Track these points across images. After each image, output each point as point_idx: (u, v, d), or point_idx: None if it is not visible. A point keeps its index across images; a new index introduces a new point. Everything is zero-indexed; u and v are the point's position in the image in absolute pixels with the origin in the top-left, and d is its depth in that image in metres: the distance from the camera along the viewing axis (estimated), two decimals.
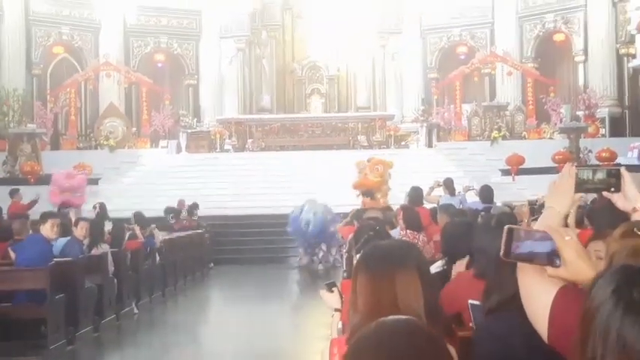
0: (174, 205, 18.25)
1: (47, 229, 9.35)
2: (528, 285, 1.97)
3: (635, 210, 2.27)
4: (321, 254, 17.43)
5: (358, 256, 2.81)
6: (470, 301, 3.71)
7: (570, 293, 1.90)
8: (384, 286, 2.42)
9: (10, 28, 25.42)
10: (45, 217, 9.67)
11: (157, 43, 28.66)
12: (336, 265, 17.04)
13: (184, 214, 17.99)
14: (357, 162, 17.30)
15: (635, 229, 2.06)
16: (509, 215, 6.83)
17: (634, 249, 2.01)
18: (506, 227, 1.93)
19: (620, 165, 18.80)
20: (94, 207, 15.68)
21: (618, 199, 2.25)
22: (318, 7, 29.01)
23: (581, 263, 1.88)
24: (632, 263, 1.83)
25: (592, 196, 4.74)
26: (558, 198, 2.17)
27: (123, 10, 27.27)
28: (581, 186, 2.19)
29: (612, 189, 2.22)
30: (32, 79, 26.27)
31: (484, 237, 4.04)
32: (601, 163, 19.39)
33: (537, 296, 1.94)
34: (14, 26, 25.50)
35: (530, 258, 1.91)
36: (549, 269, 1.90)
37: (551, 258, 1.89)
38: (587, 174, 2.19)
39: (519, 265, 2.00)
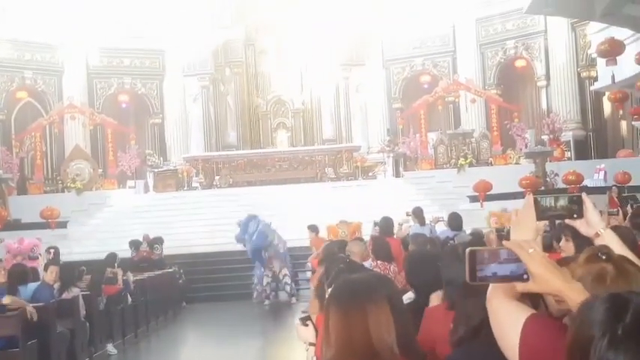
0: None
1: None
2: (498, 313, 1.99)
3: (597, 235, 2.32)
4: (287, 287, 17.28)
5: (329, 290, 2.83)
6: None
7: (540, 320, 1.93)
8: (356, 320, 2.41)
9: None
10: None
11: (120, 83, 28.66)
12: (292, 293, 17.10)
13: (144, 245, 17.80)
14: (330, 230, 16.93)
15: (599, 254, 2.10)
16: (476, 244, 6.87)
17: (599, 274, 2.04)
18: (467, 250, 1.93)
19: (585, 187, 19.08)
20: (48, 251, 15.43)
21: (581, 225, 2.30)
22: (280, 42, 29.20)
23: (548, 274, 1.90)
24: (598, 287, 1.88)
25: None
26: (522, 230, 2.18)
27: (85, 53, 27.27)
28: (543, 213, 2.20)
29: (575, 215, 2.25)
30: None
31: (452, 267, 4.02)
32: (568, 186, 19.61)
33: (507, 324, 1.96)
34: None
35: (497, 278, 1.91)
36: (518, 285, 1.92)
37: (519, 274, 1.90)
38: (549, 201, 2.22)
39: (488, 293, 2.02)
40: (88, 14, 26.69)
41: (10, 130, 26.67)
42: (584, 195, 2.29)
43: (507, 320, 1.97)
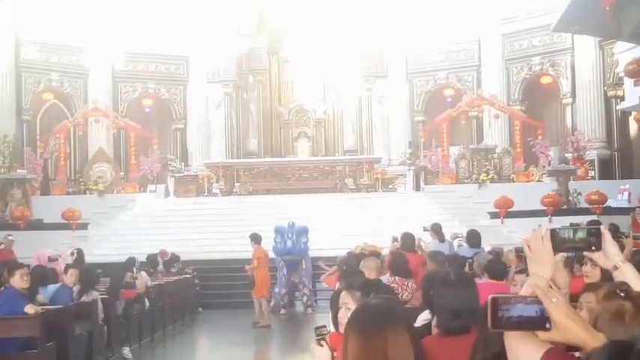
0: (157, 252, 17.66)
1: (17, 281, 9.08)
2: (515, 348, 1.99)
3: (615, 268, 2.32)
4: (305, 298, 17.28)
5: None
6: None
7: (557, 355, 1.94)
8: (375, 346, 2.43)
9: (1, 74, 25.56)
10: (13, 268, 9.39)
11: (144, 88, 28.86)
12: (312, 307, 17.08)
13: (160, 267, 17.18)
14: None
15: (617, 291, 2.10)
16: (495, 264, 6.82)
17: (617, 312, 2.04)
18: (490, 297, 1.94)
19: (608, 208, 18.90)
20: (72, 253, 15.47)
21: (599, 258, 2.30)
22: (304, 51, 29.29)
23: (570, 324, 1.91)
24: (617, 326, 1.88)
25: None
26: (541, 264, 2.18)
27: (111, 57, 27.47)
28: (561, 245, 2.21)
29: (593, 247, 2.25)
30: (22, 125, 26.35)
31: (444, 293, 3.98)
32: (591, 206, 19.46)
33: (524, 357, 1.97)
34: (5, 73, 25.64)
35: (519, 325, 1.93)
36: (541, 334, 1.93)
37: (541, 322, 1.92)
38: (567, 233, 2.22)
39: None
40: (114, 19, 26.92)
41: (36, 131, 26.91)
42: (602, 228, 2.28)
43: (524, 354, 1.98)
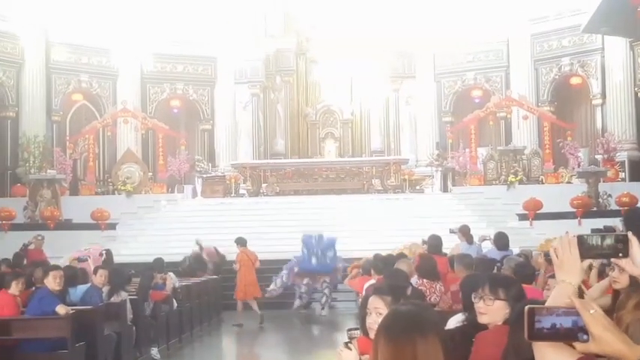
0: (196, 249, 17.88)
1: (50, 282, 9.19)
2: (544, 356, 1.99)
3: None
4: (323, 299, 17.17)
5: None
6: None
7: None
8: (406, 353, 2.42)
9: (31, 76, 25.90)
10: (47, 270, 9.52)
11: (173, 89, 29.04)
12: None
13: (210, 266, 17.55)
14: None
15: None
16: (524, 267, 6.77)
17: None
18: (526, 308, 1.94)
19: (638, 210, 18.66)
20: (101, 254, 15.58)
21: (626, 264, 2.27)
22: (331, 52, 29.27)
23: (609, 336, 1.89)
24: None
25: None
26: (568, 271, 2.18)
27: (139, 58, 27.66)
28: (589, 252, 2.20)
29: (620, 254, 2.23)
30: (52, 126, 26.68)
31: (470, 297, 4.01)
32: (621, 208, 19.23)
33: None
34: (35, 74, 25.98)
35: (555, 336, 1.93)
36: (578, 345, 1.91)
37: (578, 333, 1.90)
38: (595, 240, 2.20)
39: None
40: (143, 21, 27.09)
41: (65, 132, 27.21)
42: (630, 234, 2.26)
43: None
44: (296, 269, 16.96)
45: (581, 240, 2.19)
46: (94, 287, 10.37)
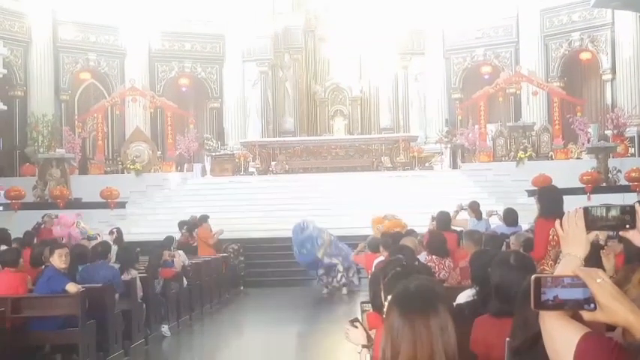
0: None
1: (56, 260, 9.17)
2: (550, 330, 1.97)
3: None
4: (339, 275, 17.14)
5: (388, 296, 2.82)
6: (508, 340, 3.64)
7: (594, 339, 1.90)
8: (419, 328, 2.44)
9: (39, 55, 25.89)
10: (52, 248, 9.49)
11: (181, 67, 28.99)
12: (353, 288, 16.96)
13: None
14: (374, 220, 15.47)
15: None
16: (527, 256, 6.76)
17: None
18: (532, 277, 1.92)
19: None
20: (111, 232, 15.64)
21: (633, 236, 2.25)
22: (340, 29, 29.14)
23: (617, 305, 1.88)
24: (617, 303, 1.84)
25: None
26: (574, 243, 2.16)
27: (147, 36, 27.61)
28: (594, 224, 2.17)
29: (627, 226, 2.19)
30: (60, 105, 26.70)
31: (503, 275, 3.98)
32: (630, 184, 19.14)
33: (560, 341, 1.93)
34: (43, 53, 25.96)
35: (562, 306, 1.91)
36: (585, 314, 1.90)
37: (585, 302, 1.88)
38: (600, 211, 2.17)
39: (540, 312, 2.00)
40: None
41: (74, 111, 27.23)
42: (637, 205, 2.23)
43: (560, 338, 1.95)
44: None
45: (586, 212, 2.17)
46: (104, 265, 10.39)
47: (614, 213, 2.18)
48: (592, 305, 1.89)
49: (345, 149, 26.13)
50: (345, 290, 16.90)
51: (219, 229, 17.74)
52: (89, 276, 10.01)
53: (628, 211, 2.18)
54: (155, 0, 27.12)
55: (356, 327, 3.99)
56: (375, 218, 15.27)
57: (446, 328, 2.45)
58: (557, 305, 1.91)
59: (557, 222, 2.23)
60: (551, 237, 6.79)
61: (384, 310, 2.81)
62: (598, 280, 1.89)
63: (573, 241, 2.16)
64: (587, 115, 25.61)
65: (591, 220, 2.16)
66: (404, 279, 3.05)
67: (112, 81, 27.75)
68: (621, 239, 5.89)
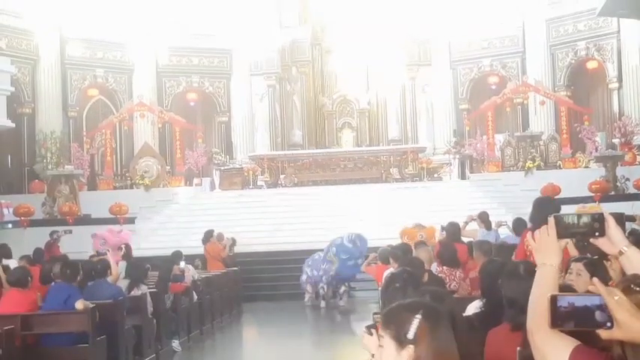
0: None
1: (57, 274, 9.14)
2: (540, 346, 1.98)
3: (621, 253, 2.27)
4: (342, 289, 17.11)
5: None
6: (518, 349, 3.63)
7: (586, 352, 1.90)
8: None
9: (47, 72, 25.99)
10: (53, 262, 9.48)
11: (188, 82, 29.07)
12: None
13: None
14: (404, 231, 14.96)
15: (632, 286, 2.06)
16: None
17: (637, 305, 2.00)
18: (549, 296, 1.93)
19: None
20: (120, 248, 15.62)
21: (603, 244, 2.26)
22: (346, 42, 29.20)
23: (635, 322, 1.87)
24: (635, 320, 1.83)
25: None
26: (547, 252, 2.19)
27: (155, 52, 27.71)
28: (566, 230, 2.21)
29: (597, 233, 2.23)
30: (69, 122, 26.78)
31: (513, 287, 3.96)
32: (639, 192, 19.06)
33: (551, 357, 1.94)
34: (50, 70, 26.06)
35: (579, 324, 1.90)
36: (602, 332, 1.89)
37: (602, 320, 1.88)
38: (572, 219, 2.22)
39: (529, 325, 2.01)
40: (157, 14, 27.13)
41: (82, 127, 27.31)
42: (606, 213, 2.26)
43: (551, 353, 1.95)
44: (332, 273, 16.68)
45: (557, 219, 2.22)
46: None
47: (585, 220, 2.22)
48: (609, 324, 1.88)
49: (353, 161, 26.14)
50: (342, 303, 16.83)
51: (226, 238, 17.87)
52: (90, 294, 9.97)
53: (597, 218, 2.22)
54: (162, 15, 27.23)
55: (371, 334, 3.98)
56: (404, 229, 15.13)
57: (444, 340, 2.41)
58: (574, 323, 1.91)
59: (530, 234, 2.26)
60: (525, 246, 6.79)
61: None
62: (616, 298, 1.89)
63: (546, 250, 2.19)
64: (595, 123, 25.55)
65: (563, 228, 2.21)
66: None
67: (119, 97, 27.85)
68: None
